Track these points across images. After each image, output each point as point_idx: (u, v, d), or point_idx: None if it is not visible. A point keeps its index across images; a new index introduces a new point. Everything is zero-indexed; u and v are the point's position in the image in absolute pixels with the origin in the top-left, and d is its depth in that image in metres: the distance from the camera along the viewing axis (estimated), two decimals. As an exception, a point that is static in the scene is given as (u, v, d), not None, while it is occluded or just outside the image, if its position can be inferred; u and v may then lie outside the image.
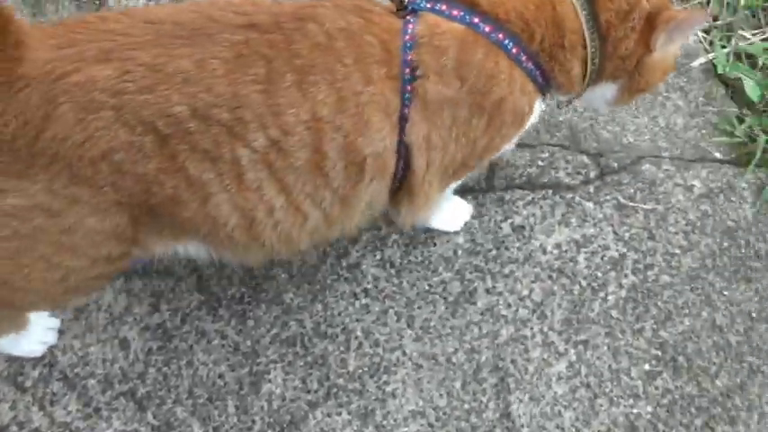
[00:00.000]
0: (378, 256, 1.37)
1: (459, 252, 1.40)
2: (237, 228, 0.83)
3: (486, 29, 0.81)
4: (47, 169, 0.71)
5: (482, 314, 1.34)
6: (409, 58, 0.79)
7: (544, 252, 1.42)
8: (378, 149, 0.83)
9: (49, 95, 0.69)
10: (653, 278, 1.41)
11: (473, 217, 1.43)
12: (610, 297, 1.38)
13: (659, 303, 1.39)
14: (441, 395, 1.25)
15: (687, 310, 1.39)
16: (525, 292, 1.37)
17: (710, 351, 1.34)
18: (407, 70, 0.80)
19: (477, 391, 1.26)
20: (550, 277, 1.39)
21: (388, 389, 1.24)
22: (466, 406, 1.25)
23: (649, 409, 1.27)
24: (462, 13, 0.81)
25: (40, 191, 0.72)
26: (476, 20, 0.81)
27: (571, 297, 1.37)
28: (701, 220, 1.50)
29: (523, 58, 0.85)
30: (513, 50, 0.83)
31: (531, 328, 1.33)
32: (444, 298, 1.35)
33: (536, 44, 0.86)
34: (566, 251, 1.42)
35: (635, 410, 1.27)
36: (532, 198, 1.48)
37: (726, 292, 1.41)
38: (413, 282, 1.36)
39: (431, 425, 1.23)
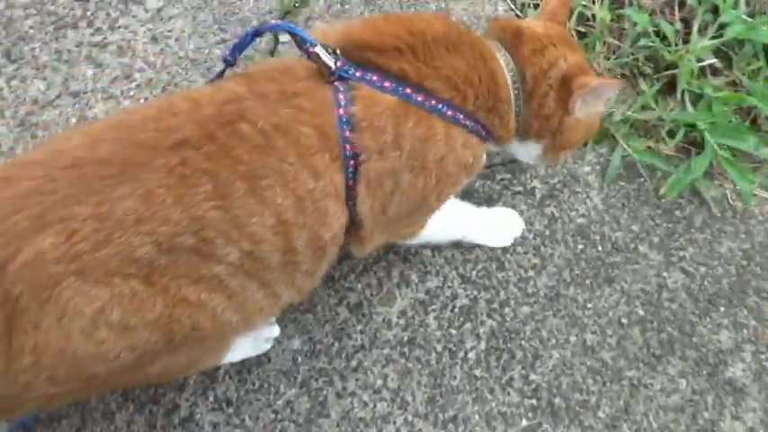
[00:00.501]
0: (211, 398, 1.22)
1: (299, 359, 1.25)
2: (240, 322, 0.85)
3: (419, 98, 0.82)
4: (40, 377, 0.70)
5: (338, 425, 1.20)
6: (347, 134, 0.79)
7: (389, 326, 1.27)
8: (335, 230, 0.85)
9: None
10: (511, 315, 1.28)
11: (303, 311, 1.26)
12: (470, 354, 1.25)
13: (523, 343, 1.26)
14: None
15: (554, 340, 1.26)
16: (380, 382, 1.23)
17: (586, 379, 1.23)
18: (347, 147, 0.80)
19: None
20: (403, 354, 1.25)
21: None
22: None
23: (534, 472, 1.17)
24: (394, 85, 0.81)
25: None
26: (407, 90, 0.82)
27: (429, 369, 1.24)
28: (549, 227, 1.35)
29: (461, 117, 0.86)
30: (449, 113, 0.84)
31: (394, 422, 1.20)
32: (294, 421, 1.20)
33: (470, 104, 0.87)
34: (412, 317, 1.28)
35: (520, 478, 1.17)
36: (363, 266, 1.31)
37: (590, 304, 1.29)
38: (255, 414, 1.21)
39: None
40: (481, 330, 1.27)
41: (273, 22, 0.88)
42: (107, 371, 0.73)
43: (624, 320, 1.28)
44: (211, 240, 0.73)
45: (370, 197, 0.85)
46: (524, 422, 1.21)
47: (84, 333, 0.69)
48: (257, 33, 0.86)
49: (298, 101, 0.78)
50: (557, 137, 0.97)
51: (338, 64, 0.80)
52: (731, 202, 1.37)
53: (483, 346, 1.26)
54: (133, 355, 0.73)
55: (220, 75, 0.93)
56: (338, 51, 0.81)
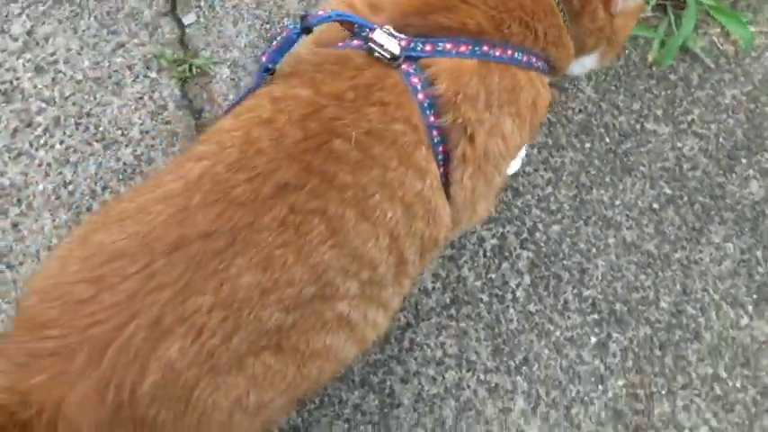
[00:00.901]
0: None
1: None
2: (359, 351, 0.79)
3: (497, 53, 0.74)
4: None
5: (414, 409, 1.14)
6: (431, 120, 0.70)
7: (428, 294, 1.20)
8: (447, 224, 0.77)
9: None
10: (543, 239, 1.22)
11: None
12: (517, 293, 1.19)
13: (566, 262, 1.21)
14: None
15: (594, 249, 1.21)
16: (439, 353, 1.17)
17: (638, 276, 1.20)
18: (434, 132, 0.71)
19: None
20: (451, 317, 1.18)
21: None
22: None
23: (620, 382, 1.15)
24: (471, 47, 0.72)
25: None
26: (485, 48, 0.72)
27: (483, 322, 1.18)
28: (551, 135, 1.27)
29: (533, 60, 0.79)
30: (524, 59, 0.77)
31: (468, 385, 1.15)
32: (369, 422, 1.14)
33: (541, 42, 0.79)
34: (447, 276, 1.20)
35: (609, 394, 1.15)
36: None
37: (617, 201, 1.24)
38: (327, 430, 1.14)
39: None
40: (520, 265, 1.21)
41: (321, 12, 0.70)
42: None
43: (655, 205, 1.23)
44: (332, 281, 0.66)
45: (470, 178, 0.77)
46: (593, 339, 1.17)
47: (223, 426, 0.63)
48: (306, 30, 0.70)
49: (378, 95, 0.68)
50: (612, 41, 0.91)
51: (402, 44, 0.69)
52: (720, 47, 1.30)
53: (527, 279, 1.20)
54: (262, 422, 0.69)
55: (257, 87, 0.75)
56: (393, 29, 0.70)
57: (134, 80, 1.27)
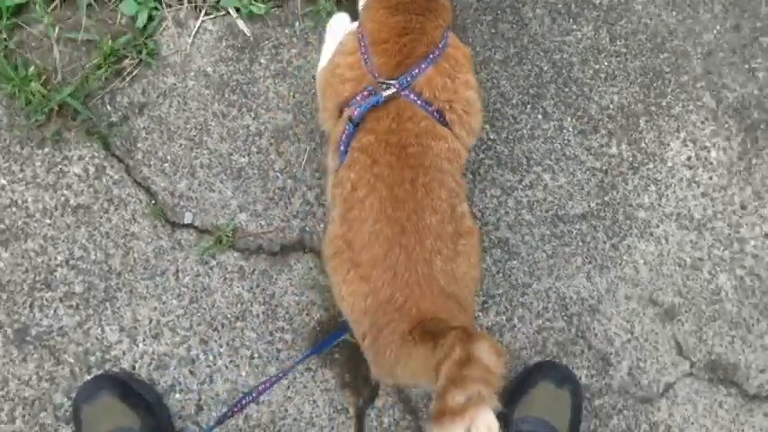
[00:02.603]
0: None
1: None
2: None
3: (437, 53, 1.11)
4: None
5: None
6: (431, 110, 1.06)
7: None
8: (463, 154, 1.16)
9: None
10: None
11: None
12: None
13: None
14: None
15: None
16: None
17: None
18: (436, 115, 1.07)
19: None
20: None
21: None
22: None
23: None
24: (426, 62, 1.09)
25: None
26: (431, 57, 1.10)
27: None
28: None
29: (447, 34, 1.16)
30: (445, 41, 1.14)
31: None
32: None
33: (447, 18, 1.20)
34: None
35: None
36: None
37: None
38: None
39: None
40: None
41: (356, 112, 1.08)
42: None
43: None
44: (455, 209, 1.08)
45: (461, 126, 1.12)
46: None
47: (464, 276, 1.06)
48: (357, 124, 1.08)
49: (406, 114, 1.05)
50: None
51: (397, 87, 1.04)
52: None
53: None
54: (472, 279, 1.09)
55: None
56: (389, 78, 1.07)
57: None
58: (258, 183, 1.42)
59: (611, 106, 1.56)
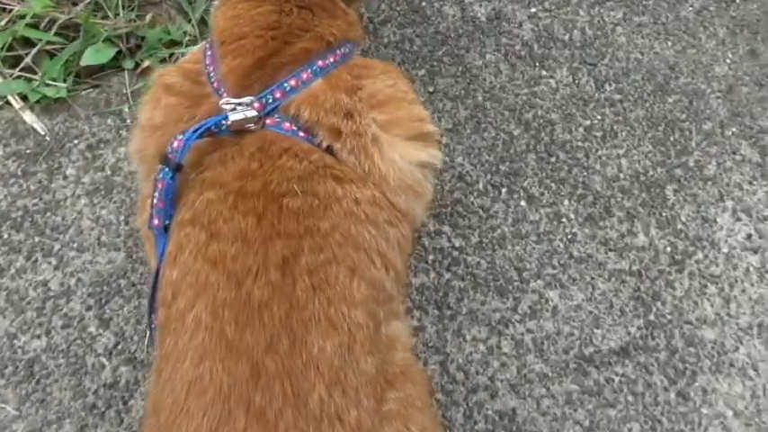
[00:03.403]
0: None
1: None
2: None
3: (331, 60, 0.72)
4: None
5: None
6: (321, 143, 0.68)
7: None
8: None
9: None
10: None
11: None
12: None
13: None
14: None
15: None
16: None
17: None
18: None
19: None
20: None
21: None
22: None
23: None
24: (309, 72, 0.70)
25: None
26: (320, 64, 0.71)
27: None
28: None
29: (350, 46, 0.77)
30: (349, 50, 0.77)
31: None
32: None
33: (342, 30, 0.76)
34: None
35: None
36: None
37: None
38: None
39: None
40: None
41: (176, 143, 0.60)
42: None
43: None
44: (374, 311, 0.63)
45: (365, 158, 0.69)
46: None
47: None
48: (179, 167, 0.63)
49: (275, 149, 0.64)
50: None
51: (257, 107, 0.65)
52: None
53: None
54: None
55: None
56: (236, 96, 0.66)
57: None
58: (66, 385, 0.82)
59: (620, 175, 1.05)
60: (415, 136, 0.69)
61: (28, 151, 0.99)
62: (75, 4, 1.06)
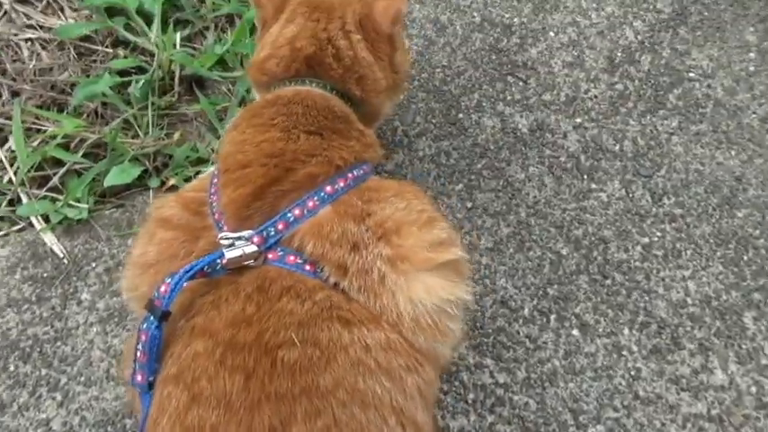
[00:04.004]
0: None
1: None
2: None
3: (341, 185, 0.67)
4: None
5: None
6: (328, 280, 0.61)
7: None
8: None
9: None
10: None
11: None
12: None
13: None
14: None
15: None
16: None
17: None
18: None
19: None
20: None
21: None
22: None
23: None
24: (316, 199, 0.65)
25: None
26: (329, 189, 0.66)
27: None
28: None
29: (366, 167, 0.72)
30: (363, 172, 0.72)
31: None
32: None
33: (361, 149, 0.73)
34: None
35: None
36: None
37: None
38: None
39: None
40: None
41: (163, 289, 0.54)
42: None
43: None
44: None
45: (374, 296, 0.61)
46: None
47: None
48: (165, 316, 0.55)
49: (275, 289, 0.57)
50: (397, 82, 0.83)
51: (257, 241, 0.59)
52: None
53: None
54: None
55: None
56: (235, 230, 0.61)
57: None
58: None
59: (688, 300, 0.93)
60: (432, 268, 0.60)
61: (45, 275, 0.95)
62: (107, 123, 1.05)
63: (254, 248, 0.58)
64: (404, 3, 0.79)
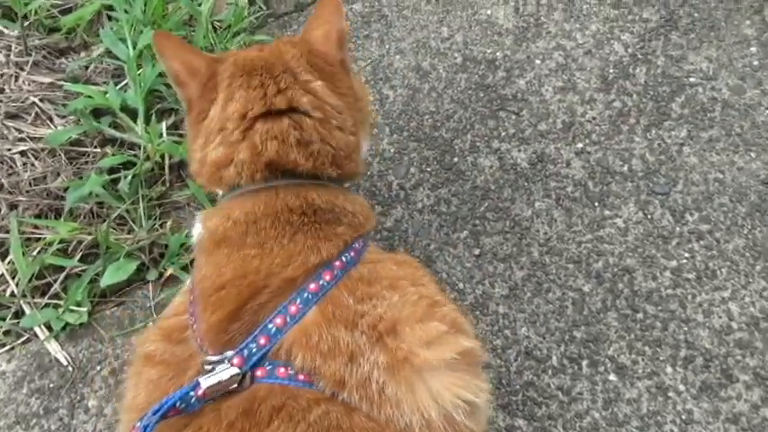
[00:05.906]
0: None
1: None
2: None
3: (327, 279, 0.61)
4: None
5: None
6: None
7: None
8: None
9: None
10: None
11: None
12: None
13: None
14: None
15: None
16: None
17: None
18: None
19: None
20: None
21: None
22: None
23: None
24: (299, 303, 0.59)
25: None
26: (312, 288, 0.60)
27: None
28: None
29: (360, 243, 0.67)
30: (353, 255, 0.65)
31: None
32: None
33: (354, 229, 0.68)
34: None
35: None
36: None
37: None
38: None
39: None
40: None
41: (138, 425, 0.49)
42: None
43: None
44: None
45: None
46: None
47: None
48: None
49: (265, 409, 0.51)
50: (365, 113, 0.76)
51: (236, 363, 0.54)
52: None
53: None
54: None
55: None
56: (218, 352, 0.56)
57: None
58: None
59: (733, 325, 0.83)
60: (435, 369, 0.53)
61: (51, 385, 0.92)
62: (104, 221, 1.04)
63: (234, 371, 0.53)
64: (341, 21, 0.72)
